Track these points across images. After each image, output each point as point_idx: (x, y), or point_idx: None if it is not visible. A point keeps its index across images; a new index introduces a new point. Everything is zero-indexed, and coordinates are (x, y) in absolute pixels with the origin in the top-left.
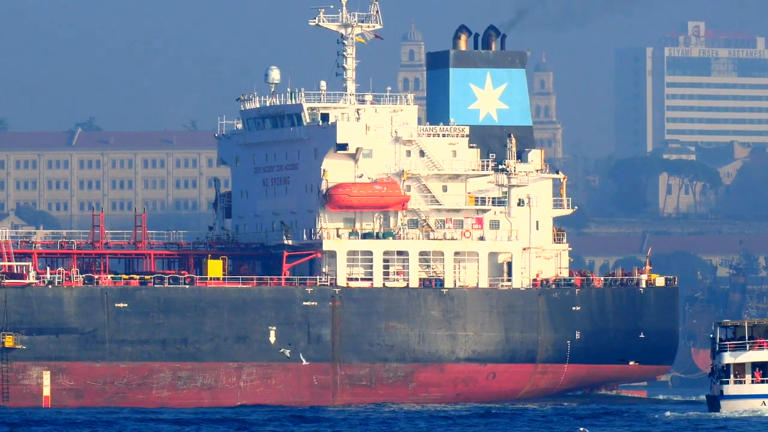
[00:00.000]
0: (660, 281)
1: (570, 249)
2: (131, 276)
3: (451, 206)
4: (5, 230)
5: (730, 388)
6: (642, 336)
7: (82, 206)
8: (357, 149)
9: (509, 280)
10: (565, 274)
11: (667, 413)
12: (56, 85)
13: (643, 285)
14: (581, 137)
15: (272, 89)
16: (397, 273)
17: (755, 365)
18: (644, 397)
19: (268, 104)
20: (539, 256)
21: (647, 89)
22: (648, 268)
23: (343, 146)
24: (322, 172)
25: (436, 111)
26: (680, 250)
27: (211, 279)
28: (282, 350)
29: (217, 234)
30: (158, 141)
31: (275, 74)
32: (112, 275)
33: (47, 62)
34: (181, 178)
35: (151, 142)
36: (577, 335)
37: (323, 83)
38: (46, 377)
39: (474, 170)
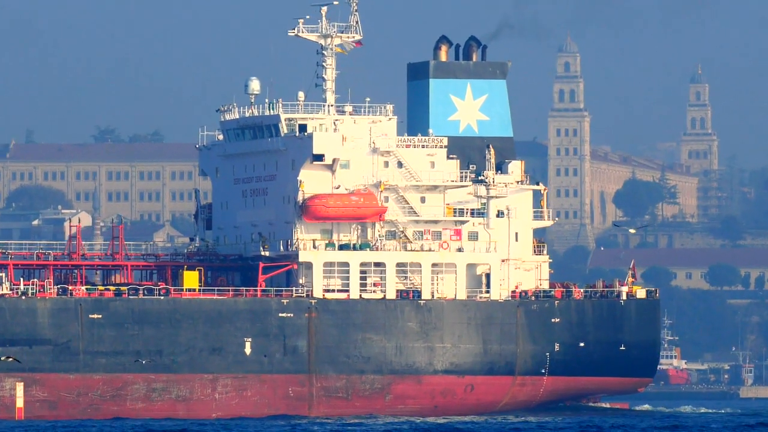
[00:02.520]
0: (641, 293)
1: (550, 261)
2: (107, 287)
3: (429, 217)
4: None
5: None
6: (623, 348)
7: None
8: (334, 160)
9: (488, 292)
10: (546, 285)
11: None
12: (209, 95)
13: (624, 297)
14: (737, 149)
15: (252, 100)
16: (375, 284)
17: None
18: (627, 409)
19: (247, 115)
20: (518, 268)
21: None
22: (630, 280)
23: (320, 157)
24: (298, 183)
25: (416, 122)
26: None
27: (186, 290)
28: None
29: (197, 245)
30: None
31: (255, 85)
32: (87, 287)
33: (200, 72)
34: None
35: None
36: (557, 347)
37: (301, 94)
38: (20, 389)
39: (452, 181)
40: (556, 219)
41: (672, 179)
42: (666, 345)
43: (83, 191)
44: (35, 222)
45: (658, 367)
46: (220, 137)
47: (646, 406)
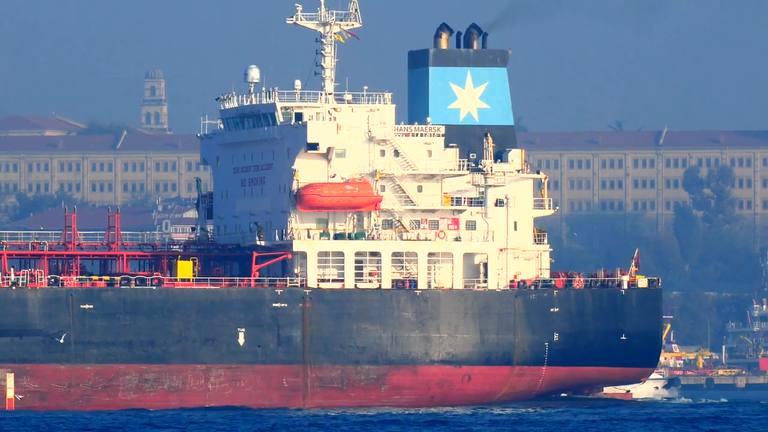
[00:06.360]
0: (643, 282)
1: (551, 250)
2: (101, 277)
3: (425, 207)
4: None
5: None
6: (623, 338)
7: None
8: (329, 149)
9: (485, 282)
10: (547, 275)
11: None
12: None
13: (625, 286)
14: None
15: (251, 89)
16: (371, 274)
17: None
18: (630, 399)
19: (246, 104)
20: (517, 257)
21: None
22: (634, 269)
23: (314, 146)
24: (293, 172)
25: (416, 110)
26: None
27: (180, 280)
28: None
29: (197, 235)
30: (584, 141)
31: (255, 73)
32: (79, 277)
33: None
34: (606, 178)
35: (576, 142)
36: (556, 337)
37: (298, 82)
38: (10, 379)
39: (450, 170)
40: (556, 208)
41: None
42: None
43: None
44: None
45: None
46: (221, 126)
47: (723, 399)
